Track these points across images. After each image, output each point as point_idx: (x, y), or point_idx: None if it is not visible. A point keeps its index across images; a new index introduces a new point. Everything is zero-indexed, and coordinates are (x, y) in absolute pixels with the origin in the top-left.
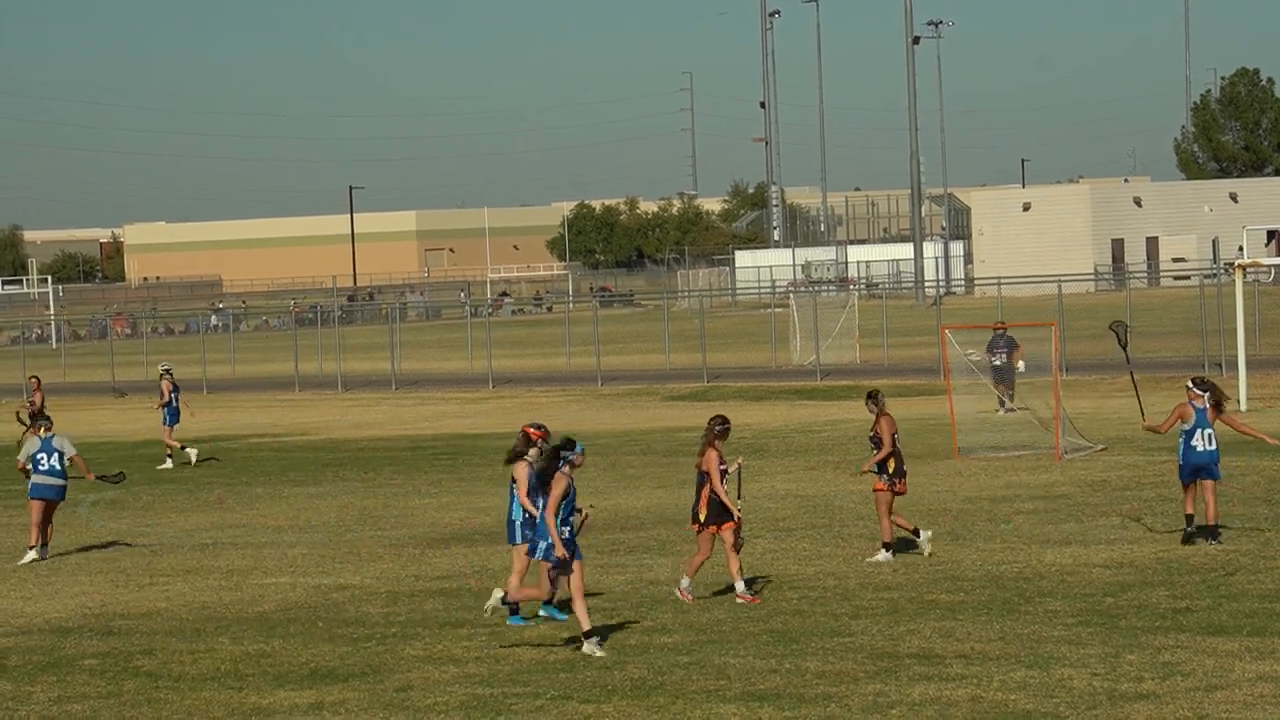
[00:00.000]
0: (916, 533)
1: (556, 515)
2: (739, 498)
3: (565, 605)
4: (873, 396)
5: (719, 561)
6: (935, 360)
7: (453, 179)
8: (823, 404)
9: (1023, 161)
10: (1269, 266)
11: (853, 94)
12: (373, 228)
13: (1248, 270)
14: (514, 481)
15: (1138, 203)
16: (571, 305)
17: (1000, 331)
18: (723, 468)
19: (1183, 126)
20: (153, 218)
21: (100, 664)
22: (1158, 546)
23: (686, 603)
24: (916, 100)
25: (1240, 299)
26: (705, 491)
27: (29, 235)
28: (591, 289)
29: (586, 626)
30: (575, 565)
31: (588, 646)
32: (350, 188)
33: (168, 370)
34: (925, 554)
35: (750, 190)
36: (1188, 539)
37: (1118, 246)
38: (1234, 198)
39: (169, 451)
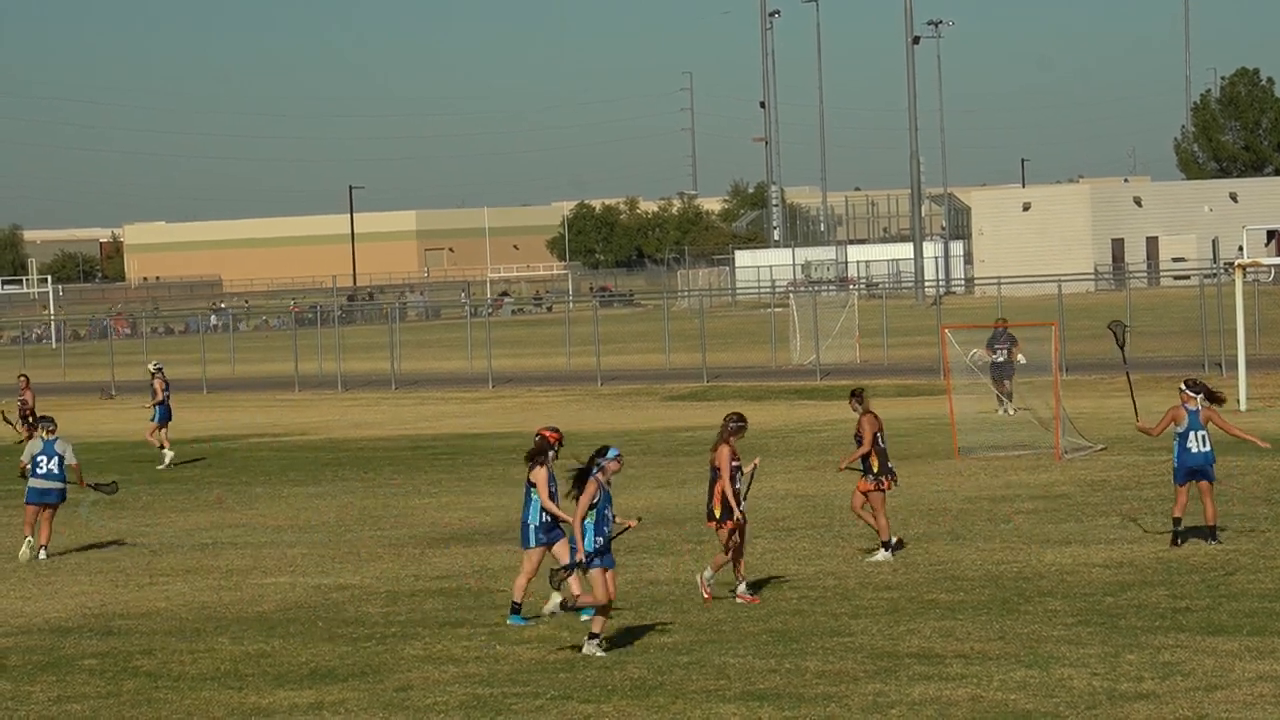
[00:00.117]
0: (887, 545)
1: (583, 520)
2: (744, 499)
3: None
4: (856, 395)
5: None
6: (935, 360)
7: (453, 179)
8: (823, 404)
9: (1023, 161)
10: (1269, 266)
11: (853, 94)
12: (373, 227)
13: (1248, 270)
14: (532, 485)
15: (1138, 202)
16: (571, 305)
17: (1001, 328)
18: (736, 464)
19: (1183, 126)
20: (153, 218)
21: (100, 664)
22: (1157, 546)
23: (703, 595)
24: (916, 100)
25: (1240, 299)
26: (718, 488)
27: (29, 235)
28: (591, 289)
29: (597, 630)
30: (598, 573)
31: (588, 647)
32: (350, 188)
33: (159, 369)
34: (874, 560)
35: (750, 190)
36: (1176, 542)
37: (1118, 246)
38: (1234, 198)
39: (163, 448)
